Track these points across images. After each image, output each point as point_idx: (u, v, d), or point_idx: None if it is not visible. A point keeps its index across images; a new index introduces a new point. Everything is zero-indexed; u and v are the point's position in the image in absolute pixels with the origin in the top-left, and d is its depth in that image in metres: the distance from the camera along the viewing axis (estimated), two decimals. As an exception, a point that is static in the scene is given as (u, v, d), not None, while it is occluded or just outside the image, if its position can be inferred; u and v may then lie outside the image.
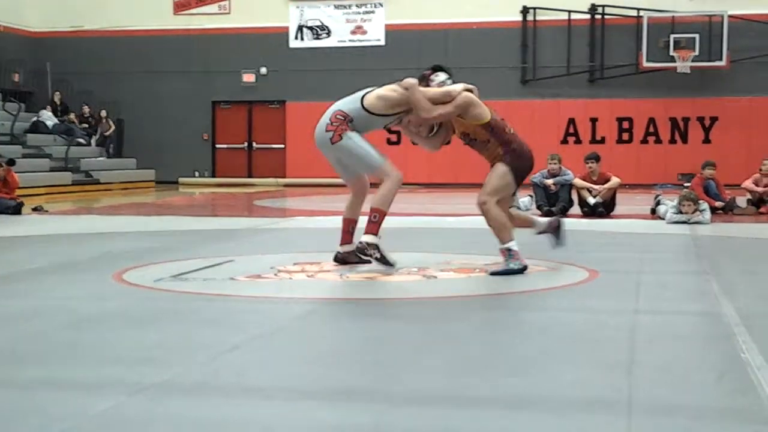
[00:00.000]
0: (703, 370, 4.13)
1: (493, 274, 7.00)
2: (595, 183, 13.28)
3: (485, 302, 6.03)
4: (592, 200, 13.13)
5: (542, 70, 23.65)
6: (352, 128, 7.26)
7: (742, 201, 13.75)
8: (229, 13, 25.25)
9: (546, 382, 3.90)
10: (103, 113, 24.12)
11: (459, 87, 7.35)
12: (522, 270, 7.01)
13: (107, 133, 24.14)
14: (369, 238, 7.18)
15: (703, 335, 4.94)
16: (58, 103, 24.59)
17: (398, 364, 4.29)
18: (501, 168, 7.23)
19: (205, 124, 25.57)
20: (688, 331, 5.03)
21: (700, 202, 11.91)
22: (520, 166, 7.28)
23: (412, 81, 7.38)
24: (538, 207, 13.30)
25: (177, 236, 10.20)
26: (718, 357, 4.39)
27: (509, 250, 7.07)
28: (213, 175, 25.44)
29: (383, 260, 7.17)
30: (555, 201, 13.26)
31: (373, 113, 7.30)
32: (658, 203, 12.82)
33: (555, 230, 7.74)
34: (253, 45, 24.83)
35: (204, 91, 25.34)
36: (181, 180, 24.86)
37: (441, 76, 7.55)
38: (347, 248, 7.45)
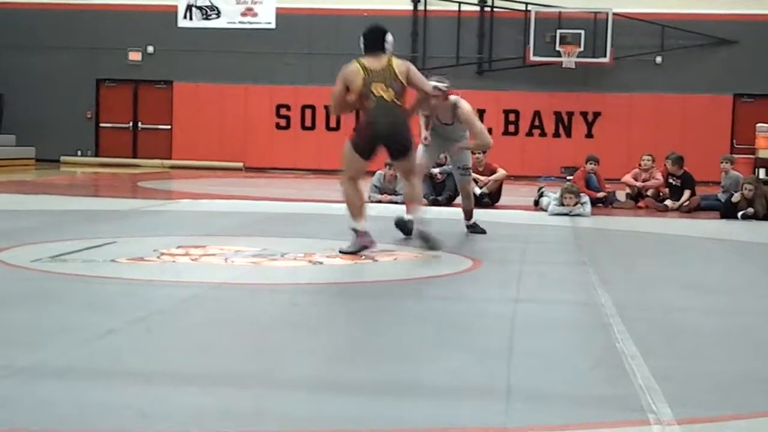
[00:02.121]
0: (580, 359, 4.22)
1: (341, 252, 7.15)
2: (482, 174, 13.44)
3: (368, 289, 6.05)
4: (477, 191, 13.27)
5: (432, 60, 23.79)
6: None
7: (621, 195, 14.11)
8: (116, -11, 24.68)
9: (425, 368, 3.92)
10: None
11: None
12: (357, 251, 7.09)
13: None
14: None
15: (581, 324, 5.06)
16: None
17: (278, 350, 4.26)
18: (345, 145, 7.31)
19: (89, 102, 24.96)
20: (566, 321, 5.14)
21: (582, 195, 12.18)
22: (358, 139, 7.33)
23: None
24: (425, 196, 13.36)
25: (56, 216, 9.94)
26: (595, 346, 4.49)
27: (354, 230, 7.15)
28: (96, 155, 24.87)
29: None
30: (441, 190, 13.36)
31: None
32: (541, 195, 13.06)
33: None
34: (141, 23, 24.32)
35: (89, 68, 24.72)
36: (63, 159, 24.23)
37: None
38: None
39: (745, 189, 12.17)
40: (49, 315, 4.85)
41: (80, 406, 3.25)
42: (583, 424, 3.27)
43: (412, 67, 7.41)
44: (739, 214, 12.08)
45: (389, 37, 7.35)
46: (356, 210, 7.20)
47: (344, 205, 7.31)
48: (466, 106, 8.48)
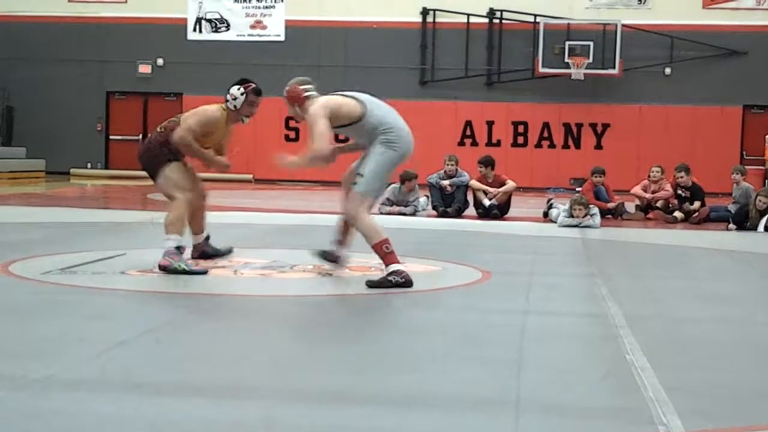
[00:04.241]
0: (590, 371, 4.22)
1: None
2: (491, 185, 13.44)
3: (377, 301, 6.05)
4: (487, 202, 13.29)
5: (441, 72, 23.84)
6: None
7: (630, 206, 14.09)
8: (125, 2, 24.78)
9: (435, 380, 3.93)
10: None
11: None
12: (187, 272, 6.65)
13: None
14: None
15: (590, 336, 5.05)
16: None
17: (288, 361, 4.27)
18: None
19: (99, 115, 25.05)
20: (575, 332, 5.13)
21: (591, 206, 12.17)
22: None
23: None
24: (434, 207, 13.40)
25: (66, 228, 9.97)
26: (604, 358, 4.49)
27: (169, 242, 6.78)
28: (106, 167, 24.94)
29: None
30: (451, 202, 13.38)
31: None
32: (550, 207, 13.06)
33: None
34: (150, 35, 24.42)
35: (98, 80, 24.82)
36: (73, 171, 24.30)
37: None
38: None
39: (759, 201, 12.14)
40: (60, 327, 4.86)
41: (92, 418, 3.26)
42: (593, 436, 3.27)
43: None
44: (762, 225, 11.96)
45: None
46: (175, 225, 6.84)
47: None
48: (313, 109, 6.67)
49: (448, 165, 13.64)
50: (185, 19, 24.55)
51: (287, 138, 24.27)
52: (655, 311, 5.92)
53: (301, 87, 6.77)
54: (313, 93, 6.76)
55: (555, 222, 12.23)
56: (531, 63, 23.24)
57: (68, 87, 24.73)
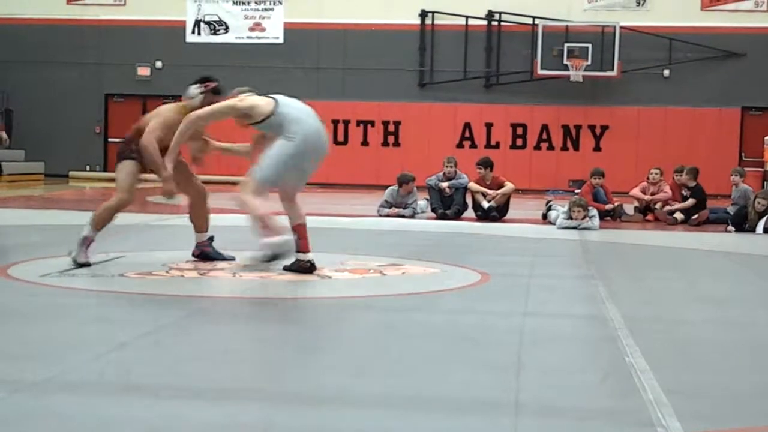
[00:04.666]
0: (589, 373, 4.22)
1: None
2: (489, 188, 13.44)
3: (377, 303, 6.05)
4: (486, 204, 13.30)
5: (439, 74, 23.85)
6: None
7: (629, 208, 14.10)
8: (124, 5, 24.79)
9: (434, 382, 3.93)
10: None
11: None
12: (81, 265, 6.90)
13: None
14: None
15: (589, 338, 5.05)
16: (-55, 91, 23.79)
17: (286, 364, 4.27)
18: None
19: (98, 117, 25.05)
20: (574, 334, 5.14)
21: (590, 208, 12.18)
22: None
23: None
24: (433, 210, 13.40)
25: (65, 231, 9.95)
26: (603, 360, 4.49)
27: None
28: (105, 170, 24.93)
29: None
30: (450, 204, 13.38)
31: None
32: (549, 209, 13.06)
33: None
34: (149, 38, 24.42)
35: (97, 83, 24.81)
36: (72, 174, 24.30)
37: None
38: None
39: (758, 203, 12.14)
40: (59, 330, 4.86)
41: (91, 421, 3.25)
42: (592, 438, 3.27)
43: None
44: (760, 227, 11.96)
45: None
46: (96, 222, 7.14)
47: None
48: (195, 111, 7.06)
49: (447, 167, 13.64)
50: (184, 22, 24.55)
51: (286, 140, 24.24)
52: (654, 313, 5.92)
53: (235, 98, 7.07)
54: (241, 97, 7.08)
55: (554, 224, 12.24)
56: (530, 65, 23.26)
57: (67, 89, 24.73)
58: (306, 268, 6.90)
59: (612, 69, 22.75)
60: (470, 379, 3.99)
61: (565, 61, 22.83)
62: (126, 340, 4.55)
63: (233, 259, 7.47)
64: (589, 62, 22.77)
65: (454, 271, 7.53)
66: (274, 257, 6.59)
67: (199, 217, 7.49)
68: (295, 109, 6.99)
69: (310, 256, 7.03)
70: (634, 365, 4.26)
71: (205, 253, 7.48)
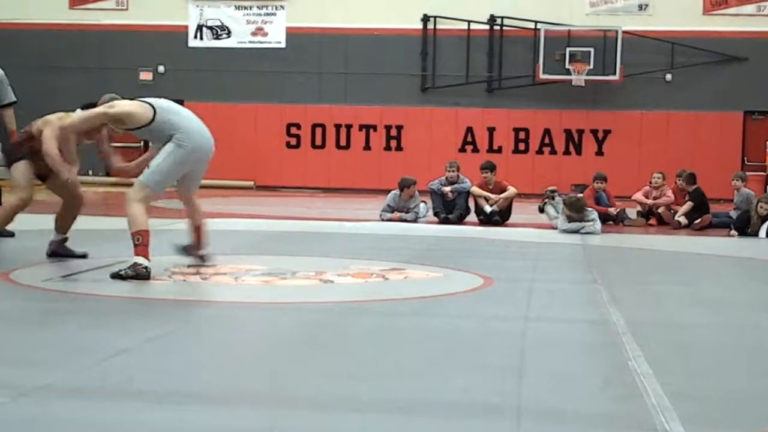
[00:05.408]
0: (591, 377, 4.21)
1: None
2: (491, 192, 13.43)
3: (379, 307, 6.05)
4: (488, 208, 13.28)
5: (441, 79, 23.83)
6: None
7: (632, 212, 14.08)
8: (126, 9, 24.79)
9: (436, 387, 3.92)
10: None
11: None
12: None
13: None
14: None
15: (592, 343, 5.04)
16: (-54, 96, 23.80)
17: (289, 368, 4.26)
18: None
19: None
20: (577, 339, 5.13)
21: (591, 211, 12.18)
22: None
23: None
24: (435, 214, 13.38)
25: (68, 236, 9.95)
26: (606, 364, 4.48)
27: None
28: (107, 175, 24.95)
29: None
30: (452, 208, 13.37)
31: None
32: (545, 202, 13.08)
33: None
34: (151, 43, 24.42)
35: (100, 88, 24.71)
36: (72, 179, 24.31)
37: None
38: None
39: (761, 207, 12.13)
40: (61, 335, 4.86)
41: (94, 426, 3.25)
42: (595, 442, 3.26)
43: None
44: (763, 231, 11.96)
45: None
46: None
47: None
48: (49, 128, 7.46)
49: (449, 171, 13.63)
50: (186, 26, 24.55)
51: (288, 145, 24.26)
52: (656, 317, 5.91)
53: (105, 104, 7.37)
54: (112, 103, 7.39)
55: (551, 221, 12.28)
56: (532, 69, 23.24)
57: (69, 94, 24.69)
58: (144, 274, 6.68)
59: (614, 73, 22.72)
60: (472, 384, 3.99)
61: (567, 66, 22.80)
62: (128, 345, 4.55)
63: (85, 256, 7.78)
64: (592, 66, 22.74)
65: (457, 275, 7.52)
66: (135, 277, 6.60)
67: (66, 220, 7.89)
68: (176, 114, 7.25)
69: (202, 253, 7.38)
70: (637, 369, 4.26)
71: (56, 252, 7.80)
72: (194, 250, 7.43)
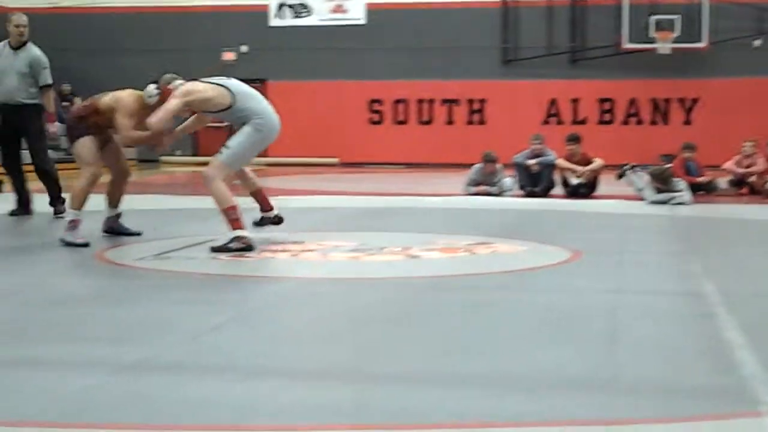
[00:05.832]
0: (686, 350, 4.15)
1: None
2: (577, 164, 13.28)
3: (468, 282, 6.03)
4: (574, 181, 13.14)
5: (524, 51, 23.59)
6: None
7: (722, 182, 13.80)
8: (208, -9, 25.07)
9: (528, 361, 3.90)
10: (64, 89, 23.77)
11: None
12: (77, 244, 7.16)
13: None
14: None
15: (685, 315, 4.96)
16: (37, 80, 24.34)
17: (379, 343, 4.28)
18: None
19: (186, 103, 25.42)
20: (669, 311, 5.05)
21: (677, 180, 11.97)
22: None
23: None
24: (521, 187, 13.29)
25: (158, 215, 10.15)
26: (700, 336, 4.41)
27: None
28: (195, 154, 25.31)
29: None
30: (537, 181, 13.26)
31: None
32: (624, 172, 12.91)
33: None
34: (234, 23, 24.66)
35: (183, 69, 25.07)
36: (162, 159, 24.73)
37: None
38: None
39: None
40: (154, 312, 4.95)
41: (189, 402, 3.31)
42: (690, 416, 3.21)
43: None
44: None
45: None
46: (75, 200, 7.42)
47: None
48: (174, 93, 7.43)
49: (533, 144, 13.51)
50: (267, 6, 24.73)
51: (371, 121, 24.31)
52: (752, 289, 5.78)
53: (170, 86, 7.45)
54: (178, 83, 7.47)
55: (636, 191, 12.17)
56: (615, 39, 22.87)
57: (153, 76, 25.11)
58: (250, 245, 6.97)
59: (701, 40, 22.23)
60: (564, 358, 3.95)
61: (652, 34, 22.39)
62: (220, 322, 4.62)
63: (140, 233, 7.88)
64: (677, 34, 22.28)
65: (544, 248, 7.46)
66: (242, 249, 6.86)
67: (115, 195, 7.90)
68: (252, 99, 7.36)
69: (274, 212, 7.76)
70: (732, 341, 4.17)
71: (111, 229, 7.88)
72: (266, 214, 7.76)
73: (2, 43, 9.75)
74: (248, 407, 3.25)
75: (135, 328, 4.48)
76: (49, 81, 9.72)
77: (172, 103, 7.23)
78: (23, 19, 9.71)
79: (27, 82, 9.54)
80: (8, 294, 5.44)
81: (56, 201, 9.50)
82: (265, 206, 7.82)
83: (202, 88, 7.38)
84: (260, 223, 7.86)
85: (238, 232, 6.97)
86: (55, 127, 9.73)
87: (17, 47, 9.64)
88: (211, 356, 3.97)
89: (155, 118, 7.23)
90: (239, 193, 7.48)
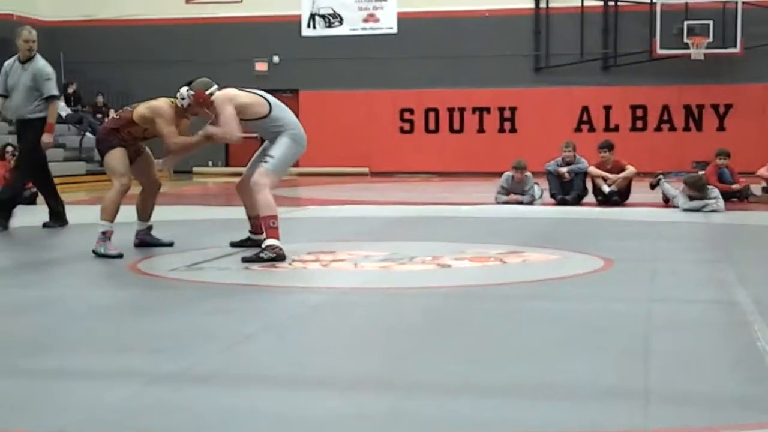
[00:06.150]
0: (719, 359, 4.12)
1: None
2: (610, 171, 13.21)
3: (499, 291, 6.02)
4: (606, 189, 13.08)
5: (555, 58, 23.55)
6: None
7: (757, 189, 13.69)
8: (240, 2, 25.23)
9: (561, 370, 3.89)
10: (98, 100, 23.97)
11: None
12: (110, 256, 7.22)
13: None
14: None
15: (719, 323, 4.92)
16: (71, 93, 24.61)
17: (411, 353, 4.29)
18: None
19: (218, 114, 25.58)
20: (703, 320, 5.01)
21: (711, 188, 11.89)
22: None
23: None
24: (552, 195, 13.25)
25: (190, 225, 10.22)
26: (734, 345, 4.37)
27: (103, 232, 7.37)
28: (227, 165, 25.46)
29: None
30: (569, 190, 13.21)
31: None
32: (658, 181, 12.89)
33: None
34: (266, 33, 24.80)
35: (216, 80, 25.20)
36: (195, 170, 24.88)
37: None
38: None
39: None
40: (188, 322, 4.98)
41: (224, 412, 3.33)
42: (725, 426, 3.19)
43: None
44: None
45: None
46: (106, 212, 7.43)
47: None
48: (220, 99, 7.52)
49: (565, 151, 13.46)
50: (299, 16, 24.85)
51: (402, 130, 24.34)
52: (786, 297, 5.72)
53: (207, 92, 7.50)
54: (214, 88, 7.55)
55: (669, 200, 12.12)
56: (648, 45, 22.77)
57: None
58: (282, 255, 7.02)
59: (735, 46, 22.09)
60: (597, 367, 3.94)
61: (685, 40, 22.26)
62: (252, 332, 4.64)
63: (172, 244, 7.93)
64: (711, 39, 22.15)
65: (576, 257, 7.44)
66: (274, 259, 6.94)
67: (146, 208, 7.94)
68: (287, 111, 7.51)
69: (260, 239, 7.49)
70: (767, 350, 4.14)
71: (144, 242, 7.92)
72: (254, 237, 7.74)
73: (13, 58, 9.81)
74: (282, 417, 3.27)
75: (169, 339, 4.52)
76: (54, 92, 9.69)
77: (228, 110, 7.34)
78: (33, 33, 9.74)
79: (32, 96, 9.55)
80: (44, 306, 5.50)
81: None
82: (257, 230, 7.72)
83: (243, 94, 7.51)
84: (239, 243, 7.82)
85: (272, 242, 7.03)
86: (50, 138, 9.62)
87: (25, 61, 9.69)
88: (244, 366, 4.00)
89: (227, 129, 7.33)
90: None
